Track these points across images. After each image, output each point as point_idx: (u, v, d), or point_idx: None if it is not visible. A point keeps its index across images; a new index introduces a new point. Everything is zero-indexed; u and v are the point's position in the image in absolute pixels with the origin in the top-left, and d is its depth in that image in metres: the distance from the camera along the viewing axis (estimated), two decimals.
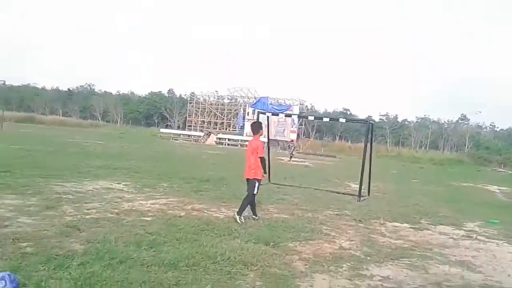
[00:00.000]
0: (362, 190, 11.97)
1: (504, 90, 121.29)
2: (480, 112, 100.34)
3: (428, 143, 78.71)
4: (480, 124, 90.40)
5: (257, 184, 7.35)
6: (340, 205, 10.41)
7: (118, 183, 10.49)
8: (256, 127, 7.89)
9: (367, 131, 12.55)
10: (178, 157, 23.27)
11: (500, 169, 47.66)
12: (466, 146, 74.23)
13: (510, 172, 43.22)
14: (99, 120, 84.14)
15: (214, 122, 61.68)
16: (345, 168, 26.90)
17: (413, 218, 9.32)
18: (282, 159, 29.20)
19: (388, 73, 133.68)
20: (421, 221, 9.16)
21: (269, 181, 12.47)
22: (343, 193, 13.02)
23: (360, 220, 8.45)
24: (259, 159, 7.34)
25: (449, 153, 71.45)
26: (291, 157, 31.33)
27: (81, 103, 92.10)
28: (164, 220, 6.74)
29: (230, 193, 10.18)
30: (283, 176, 15.64)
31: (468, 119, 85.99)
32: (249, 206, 7.47)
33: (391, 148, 69.08)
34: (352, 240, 6.69)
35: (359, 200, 11.52)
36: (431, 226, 8.71)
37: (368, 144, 12.82)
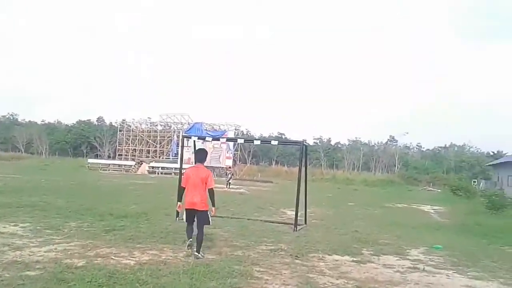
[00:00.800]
0: (298, 218, 11.06)
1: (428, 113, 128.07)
2: (407, 133, 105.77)
3: (360, 165, 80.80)
4: (407, 145, 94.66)
5: (209, 215, 7.17)
6: (275, 237, 9.41)
7: (14, 225, 8.86)
8: (203, 155, 7.48)
9: (301, 153, 11.79)
10: (101, 189, 21.29)
11: (430, 188, 49.28)
12: (396, 166, 77.08)
13: (439, 190, 44.69)
14: (21, 152, 78.23)
15: (147, 150, 59.26)
16: (281, 193, 26.10)
17: (354, 249, 8.48)
18: (220, 187, 27.87)
19: (321, 96, 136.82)
20: (363, 251, 8.36)
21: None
22: (278, 223, 12.06)
23: (296, 256, 7.45)
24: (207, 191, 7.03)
25: (381, 174, 73.51)
26: (228, 185, 30.23)
27: (2, 135, 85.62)
28: (54, 274, 5.31)
29: (149, 231, 8.86)
30: (216, 206, 14.38)
31: (396, 141, 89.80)
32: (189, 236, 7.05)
33: (325, 171, 69.84)
34: (287, 285, 5.63)
35: (295, 230, 10.58)
36: (373, 257, 7.88)
37: (303, 167, 12.02)
